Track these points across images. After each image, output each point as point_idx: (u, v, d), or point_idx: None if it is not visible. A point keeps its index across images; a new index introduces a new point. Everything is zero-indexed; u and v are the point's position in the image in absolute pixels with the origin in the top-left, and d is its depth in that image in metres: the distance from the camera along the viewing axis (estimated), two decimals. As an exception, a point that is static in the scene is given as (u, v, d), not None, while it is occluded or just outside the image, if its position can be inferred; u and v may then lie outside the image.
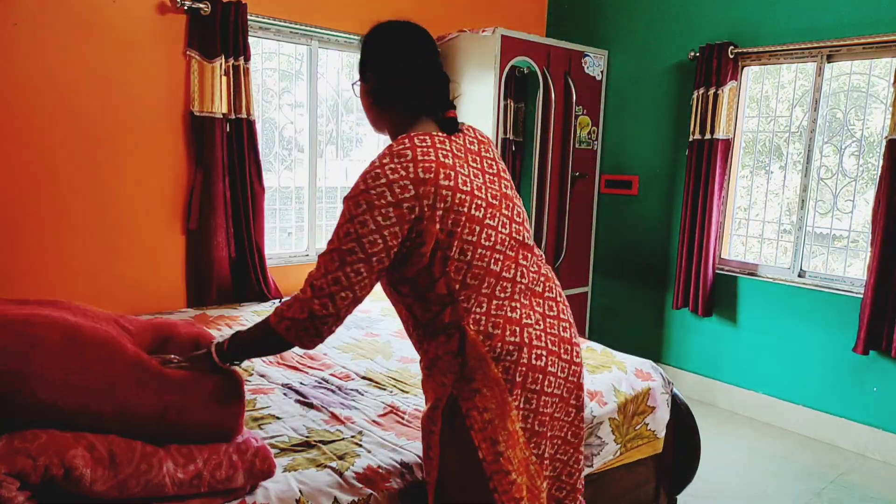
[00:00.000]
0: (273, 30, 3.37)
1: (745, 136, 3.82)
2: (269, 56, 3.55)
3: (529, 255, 1.51)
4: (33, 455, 1.20)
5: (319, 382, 2.23)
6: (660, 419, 2.40)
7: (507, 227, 1.47)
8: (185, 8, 2.98)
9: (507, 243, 1.46)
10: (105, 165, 2.90)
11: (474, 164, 1.46)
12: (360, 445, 1.77)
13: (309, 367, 2.39)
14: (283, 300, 1.45)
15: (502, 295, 1.44)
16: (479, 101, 3.74)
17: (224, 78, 3.07)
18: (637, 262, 4.30)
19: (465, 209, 1.39)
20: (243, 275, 3.26)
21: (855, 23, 3.23)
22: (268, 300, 3.30)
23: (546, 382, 1.46)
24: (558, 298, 1.55)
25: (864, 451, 3.30)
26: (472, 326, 1.40)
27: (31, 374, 1.25)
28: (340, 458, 1.68)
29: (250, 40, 3.18)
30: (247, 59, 3.11)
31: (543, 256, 1.59)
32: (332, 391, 2.15)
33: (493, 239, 1.43)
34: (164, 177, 3.07)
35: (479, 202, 1.42)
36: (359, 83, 1.55)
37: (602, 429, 2.17)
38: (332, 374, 2.31)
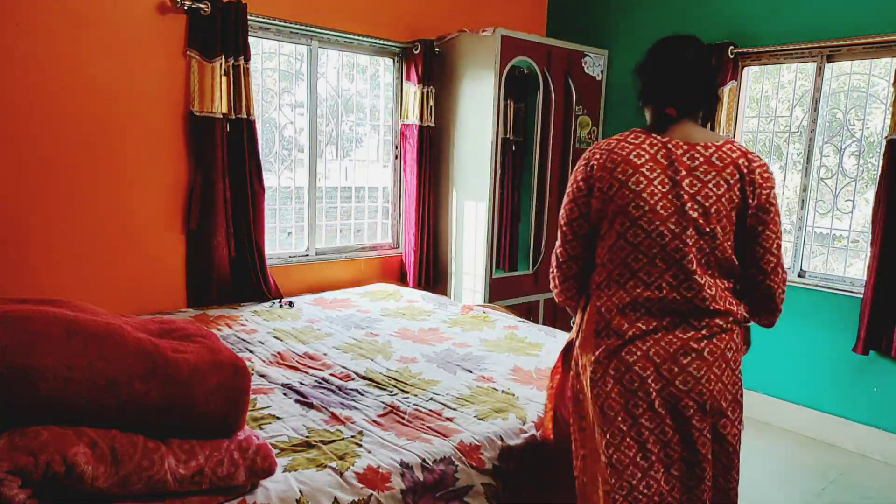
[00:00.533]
0: (273, 30, 3.37)
1: (746, 136, 3.82)
2: (269, 56, 3.55)
3: (680, 275, 1.51)
4: (35, 452, 1.20)
5: (319, 382, 2.23)
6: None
7: (663, 238, 1.51)
8: (185, 8, 2.98)
9: (652, 252, 1.52)
10: (105, 165, 2.90)
11: (669, 171, 1.54)
12: (360, 445, 1.77)
13: (309, 367, 2.39)
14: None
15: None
16: (479, 101, 3.74)
17: (224, 78, 3.07)
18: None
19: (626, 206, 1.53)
20: (243, 275, 3.26)
21: (855, 23, 3.23)
22: (268, 300, 3.30)
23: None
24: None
25: (864, 451, 3.30)
26: None
27: (34, 370, 1.25)
28: (340, 458, 1.68)
29: (250, 40, 3.18)
30: (247, 59, 3.11)
31: (714, 284, 1.54)
32: (332, 391, 2.15)
33: (637, 240, 1.52)
34: (164, 177, 3.07)
35: (642, 204, 1.51)
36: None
37: None
38: (332, 374, 2.31)
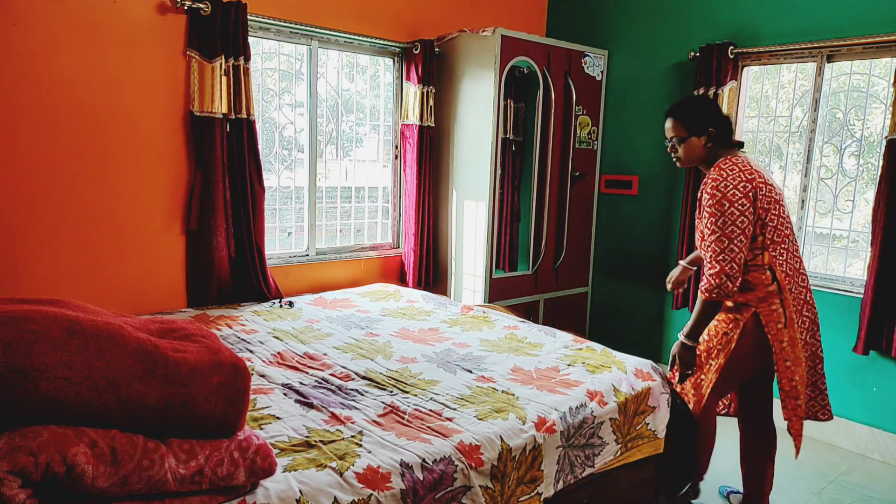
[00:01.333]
0: (273, 30, 3.37)
1: (746, 136, 3.82)
2: (269, 56, 3.55)
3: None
4: (35, 452, 1.20)
5: (319, 382, 2.23)
6: (660, 419, 2.40)
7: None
8: (185, 8, 2.98)
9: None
10: (105, 165, 2.90)
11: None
12: (360, 445, 1.77)
13: (309, 367, 2.39)
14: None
15: None
16: (479, 101, 3.75)
17: (224, 78, 3.07)
18: (637, 262, 4.30)
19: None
20: (243, 275, 3.26)
21: (855, 23, 3.23)
22: (268, 300, 3.30)
23: None
24: None
25: (864, 451, 3.30)
26: None
27: (34, 370, 1.25)
28: (340, 458, 1.68)
29: (250, 40, 3.18)
30: (247, 59, 3.11)
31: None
32: (332, 391, 2.15)
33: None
34: (164, 177, 3.07)
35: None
36: (689, 138, 2.37)
37: (603, 429, 2.18)
38: (332, 374, 2.31)
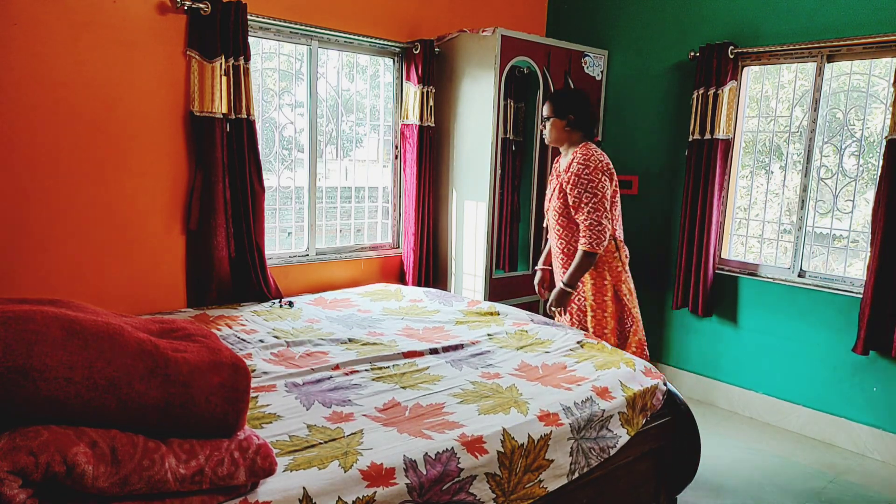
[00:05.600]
0: (273, 30, 3.37)
1: (745, 136, 3.83)
2: (269, 56, 3.55)
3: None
4: (35, 452, 1.20)
5: (320, 380, 2.23)
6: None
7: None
8: (185, 8, 2.98)
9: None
10: (105, 165, 2.90)
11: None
12: (363, 443, 1.77)
13: (309, 365, 2.39)
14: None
15: None
16: (479, 101, 3.75)
17: (224, 78, 3.07)
18: (637, 262, 4.30)
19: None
20: (243, 275, 3.26)
21: (855, 23, 3.24)
22: (268, 300, 3.30)
23: None
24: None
25: (863, 451, 3.30)
26: None
27: (34, 370, 1.25)
28: (343, 455, 1.68)
29: (250, 40, 3.18)
30: (247, 59, 3.11)
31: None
32: (333, 389, 2.15)
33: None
34: (164, 177, 3.07)
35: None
36: (553, 119, 2.85)
37: (612, 422, 2.20)
38: (332, 373, 2.31)
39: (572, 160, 2.77)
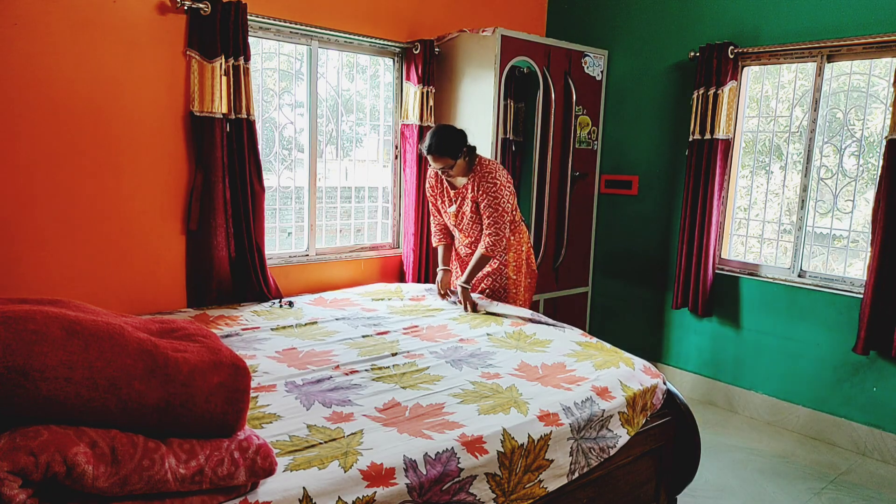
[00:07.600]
0: (273, 30, 3.37)
1: (745, 136, 3.83)
2: (269, 56, 3.55)
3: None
4: (35, 452, 1.20)
5: (320, 380, 2.23)
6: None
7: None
8: (185, 8, 2.98)
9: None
10: (105, 165, 2.90)
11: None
12: (363, 443, 1.77)
13: (310, 365, 2.39)
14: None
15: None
16: (479, 101, 3.75)
17: (224, 78, 3.07)
18: (637, 262, 4.30)
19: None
20: (243, 275, 3.26)
21: (855, 23, 3.24)
22: (268, 300, 3.30)
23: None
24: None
25: (863, 451, 3.30)
26: None
27: (34, 370, 1.25)
28: (343, 455, 1.68)
29: (250, 40, 3.18)
30: (247, 59, 3.11)
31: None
32: (334, 389, 2.15)
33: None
34: (164, 177, 3.07)
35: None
36: (454, 162, 3.14)
37: (612, 422, 2.20)
38: (333, 372, 2.31)
39: (477, 177, 3.16)
